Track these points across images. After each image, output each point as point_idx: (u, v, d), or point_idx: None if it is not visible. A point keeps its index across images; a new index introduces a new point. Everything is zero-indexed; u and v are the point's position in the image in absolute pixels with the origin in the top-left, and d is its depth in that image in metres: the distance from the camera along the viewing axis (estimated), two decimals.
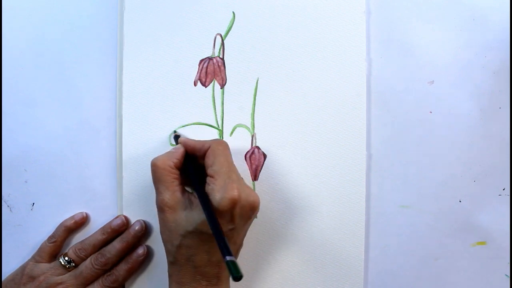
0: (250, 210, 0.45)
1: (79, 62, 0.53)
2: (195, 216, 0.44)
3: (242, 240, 0.48)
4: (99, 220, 0.53)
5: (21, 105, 0.54)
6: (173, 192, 0.46)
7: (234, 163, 0.47)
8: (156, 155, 0.47)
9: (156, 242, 0.52)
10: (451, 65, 0.52)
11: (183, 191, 0.47)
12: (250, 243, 0.52)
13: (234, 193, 0.43)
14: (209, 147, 0.47)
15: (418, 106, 0.52)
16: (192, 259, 0.45)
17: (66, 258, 0.51)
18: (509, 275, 0.52)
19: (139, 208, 0.52)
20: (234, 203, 0.43)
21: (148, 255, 0.52)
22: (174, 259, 0.46)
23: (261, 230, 0.52)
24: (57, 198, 0.54)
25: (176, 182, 0.46)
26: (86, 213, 0.53)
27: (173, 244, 0.45)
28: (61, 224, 0.53)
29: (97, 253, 0.51)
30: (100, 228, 0.52)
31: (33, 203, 0.54)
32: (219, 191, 0.43)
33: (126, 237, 0.51)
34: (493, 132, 0.52)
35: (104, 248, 0.51)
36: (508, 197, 0.52)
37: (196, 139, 0.49)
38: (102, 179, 0.53)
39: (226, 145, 0.48)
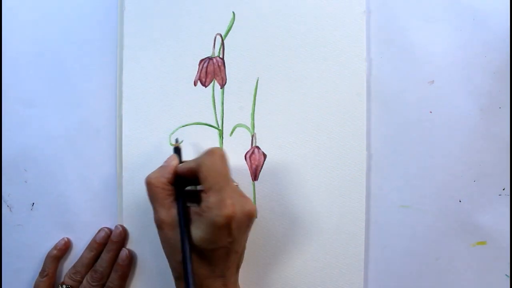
0: (248, 220, 0.44)
1: (79, 62, 0.53)
2: (193, 232, 0.44)
3: (244, 245, 0.48)
4: (99, 219, 0.53)
5: (21, 105, 0.54)
6: (168, 209, 0.45)
7: (234, 163, 0.47)
8: (156, 155, 0.47)
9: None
10: (451, 65, 0.52)
11: None
12: (250, 244, 0.52)
13: (229, 210, 0.42)
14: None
15: (418, 106, 0.52)
16: (196, 272, 0.44)
17: (65, 286, 0.51)
18: (509, 275, 0.52)
19: (139, 208, 0.52)
20: (229, 220, 0.42)
21: (135, 256, 0.53)
22: (179, 274, 0.45)
23: (260, 230, 0.52)
24: (57, 198, 0.54)
25: (171, 199, 0.45)
26: (67, 238, 0.53)
27: (176, 260, 0.44)
28: (47, 256, 0.53)
29: (90, 270, 0.51)
30: (87, 246, 0.52)
31: (33, 203, 0.54)
32: (214, 209, 0.42)
33: (110, 246, 0.52)
34: (493, 132, 0.52)
35: (96, 264, 0.52)
36: (508, 197, 0.52)
37: (196, 139, 0.49)
38: (102, 179, 0.53)
39: (218, 155, 0.45)
